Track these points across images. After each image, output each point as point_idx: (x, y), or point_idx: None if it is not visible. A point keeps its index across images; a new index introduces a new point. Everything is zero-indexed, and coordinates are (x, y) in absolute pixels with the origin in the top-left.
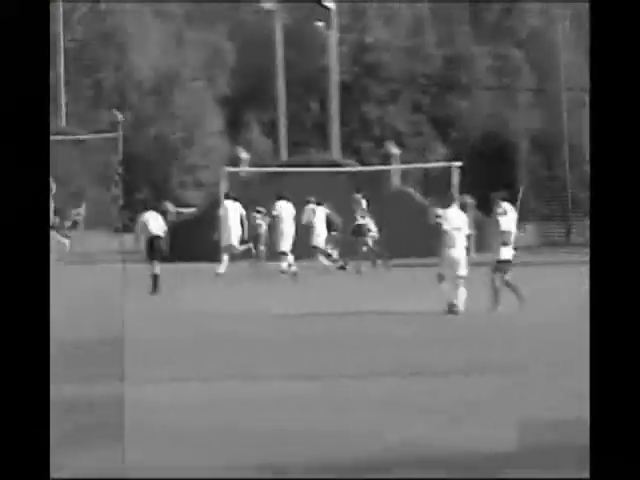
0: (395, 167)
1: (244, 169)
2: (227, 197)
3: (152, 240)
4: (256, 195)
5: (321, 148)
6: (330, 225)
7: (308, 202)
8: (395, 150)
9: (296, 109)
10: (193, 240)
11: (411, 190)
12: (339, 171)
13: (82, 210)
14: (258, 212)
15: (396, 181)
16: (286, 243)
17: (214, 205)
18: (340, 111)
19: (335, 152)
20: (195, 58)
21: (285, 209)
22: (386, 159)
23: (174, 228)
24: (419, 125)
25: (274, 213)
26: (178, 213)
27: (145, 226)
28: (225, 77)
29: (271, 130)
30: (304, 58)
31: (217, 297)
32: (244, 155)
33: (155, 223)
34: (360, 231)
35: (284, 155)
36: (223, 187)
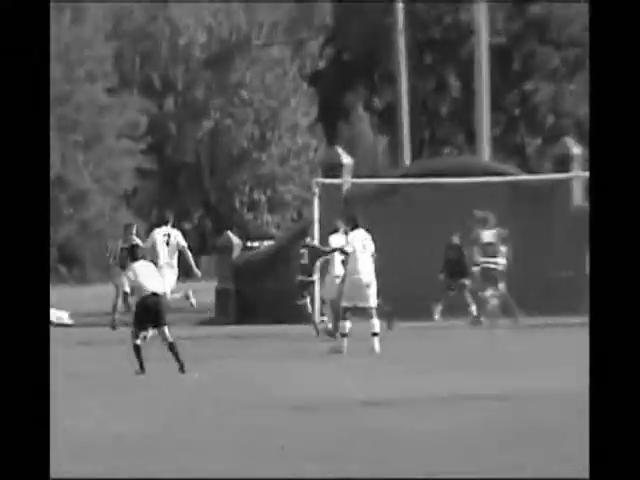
0: (576, 174)
1: (346, 180)
2: (164, 223)
3: (145, 300)
4: (364, 219)
5: (463, 147)
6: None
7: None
8: (576, 149)
9: (425, 90)
10: (267, 291)
11: None
12: (491, 182)
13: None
14: (305, 246)
15: (578, 195)
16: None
17: (302, 236)
18: (492, 91)
19: (484, 153)
20: (273, 15)
21: (359, 241)
22: (562, 162)
23: (238, 272)
24: None
25: (347, 249)
26: (247, 249)
27: (135, 280)
28: (318, 41)
29: (387, 122)
30: (437, 12)
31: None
32: (346, 160)
33: (149, 274)
34: (495, 275)
35: (407, 159)
36: (316, 207)
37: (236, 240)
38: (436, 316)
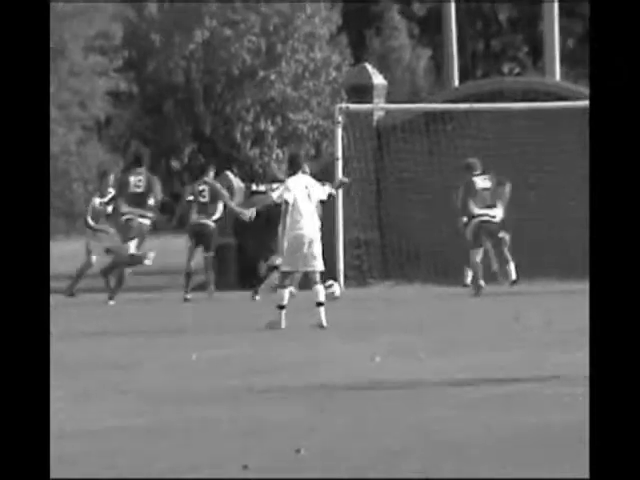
0: None
1: (378, 106)
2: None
3: None
4: (401, 154)
5: (526, 64)
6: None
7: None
8: None
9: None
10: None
11: None
12: (561, 108)
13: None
14: (205, 183)
15: None
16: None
17: (324, 177)
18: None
19: (554, 71)
20: None
21: (301, 188)
22: None
23: (240, 224)
24: None
25: (286, 197)
26: (252, 194)
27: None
28: None
29: (430, 31)
30: None
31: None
32: (378, 80)
33: None
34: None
35: (455, 79)
36: (339, 140)
37: (237, 183)
38: (468, 280)
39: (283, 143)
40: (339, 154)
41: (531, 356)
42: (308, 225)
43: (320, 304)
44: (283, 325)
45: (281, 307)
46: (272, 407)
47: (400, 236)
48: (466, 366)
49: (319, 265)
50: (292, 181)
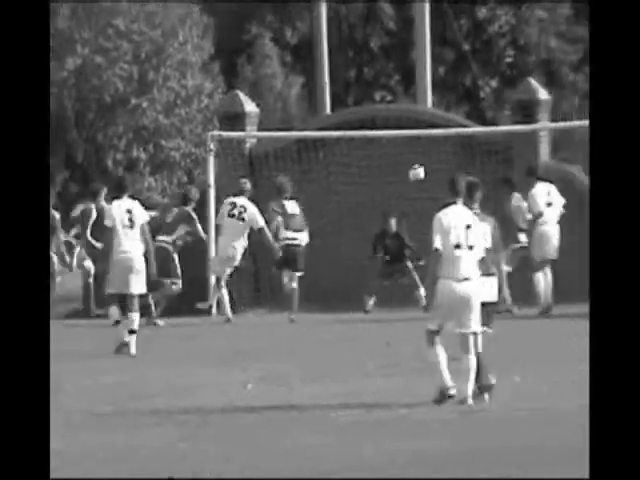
0: (542, 126)
1: (250, 134)
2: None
3: None
4: (274, 182)
5: (398, 91)
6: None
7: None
8: (542, 93)
9: (350, 18)
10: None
11: (574, 169)
12: (433, 135)
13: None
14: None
15: (544, 151)
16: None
17: (199, 202)
18: (435, 19)
19: (426, 98)
20: None
21: (121, 212)
22: (525, 110)
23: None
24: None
25: (105, 222)
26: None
27: None
28: None
29: (302, 59)
30: None
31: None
32: (250, 108)
33: None
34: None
35: (327, 107)
36: (211, 167)
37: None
38: (368, 308)
39: (155, 171)
40: (211, 182)
41: (403, 382)
42: (128, 249)
43: (132, 331)
44: (133, 350)
45: (132, 332)
46: (146, 433)
47: (272, 263)
48: (339, 392)
49: (137, 289)
50: (112, 206)
